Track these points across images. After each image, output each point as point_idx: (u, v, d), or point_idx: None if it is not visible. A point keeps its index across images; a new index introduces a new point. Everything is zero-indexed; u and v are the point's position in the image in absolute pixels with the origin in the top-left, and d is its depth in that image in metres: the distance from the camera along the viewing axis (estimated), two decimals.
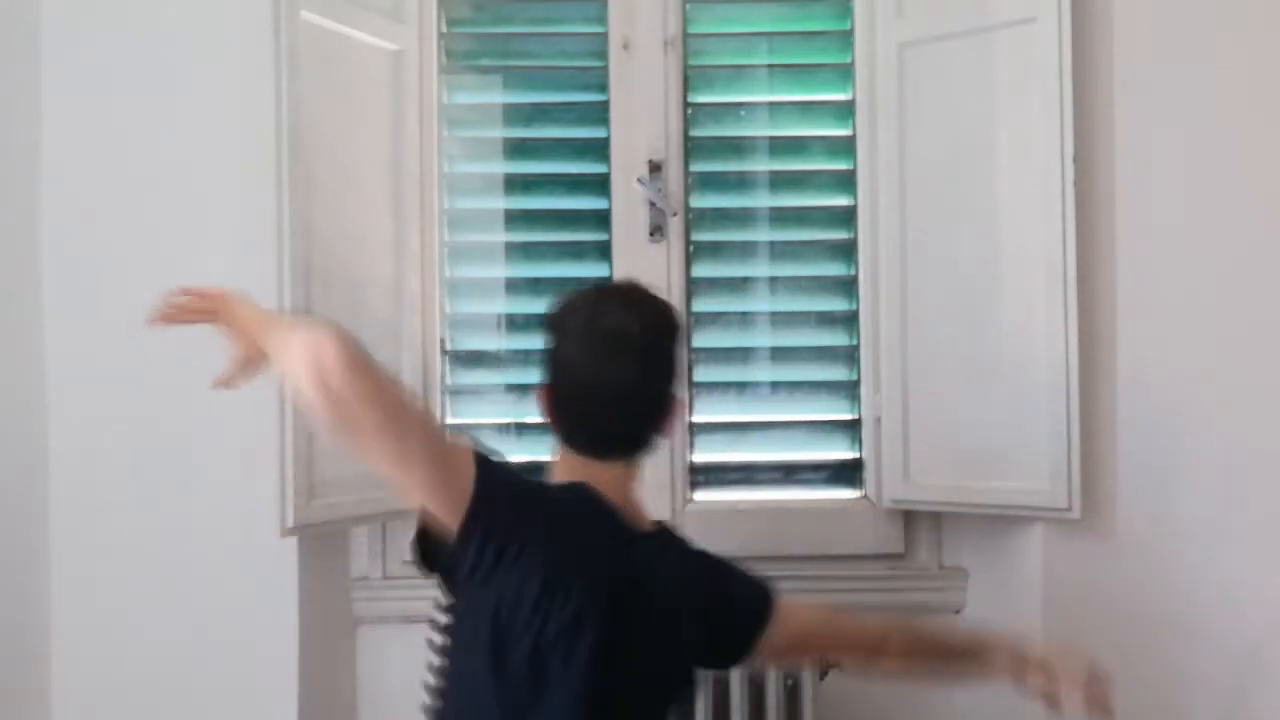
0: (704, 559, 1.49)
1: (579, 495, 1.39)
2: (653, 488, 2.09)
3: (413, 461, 1.27)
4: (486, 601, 1.31)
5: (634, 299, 1.46)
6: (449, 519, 1.31)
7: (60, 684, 1.96)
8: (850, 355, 2.18)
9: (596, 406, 1.40)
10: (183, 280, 1.95)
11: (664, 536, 1.47)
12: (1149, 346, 1.94)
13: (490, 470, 1.33)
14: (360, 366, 1.21)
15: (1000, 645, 1.55)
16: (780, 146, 2.22)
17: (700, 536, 1.52)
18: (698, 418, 2.18)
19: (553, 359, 1.43)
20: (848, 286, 2.18)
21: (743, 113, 2.24)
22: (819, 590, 2.12)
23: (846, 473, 2.18)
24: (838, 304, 2.20)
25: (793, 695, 1.96)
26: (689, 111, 2.18)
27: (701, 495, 2.17)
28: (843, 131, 2.19)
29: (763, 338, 2.21)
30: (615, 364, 1.39)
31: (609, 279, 2.14)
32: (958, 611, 2.16)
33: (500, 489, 1.33)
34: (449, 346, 2.17)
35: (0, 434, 1.90)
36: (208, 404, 1.95)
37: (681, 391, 1.47)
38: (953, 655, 1.58)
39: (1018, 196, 1.95)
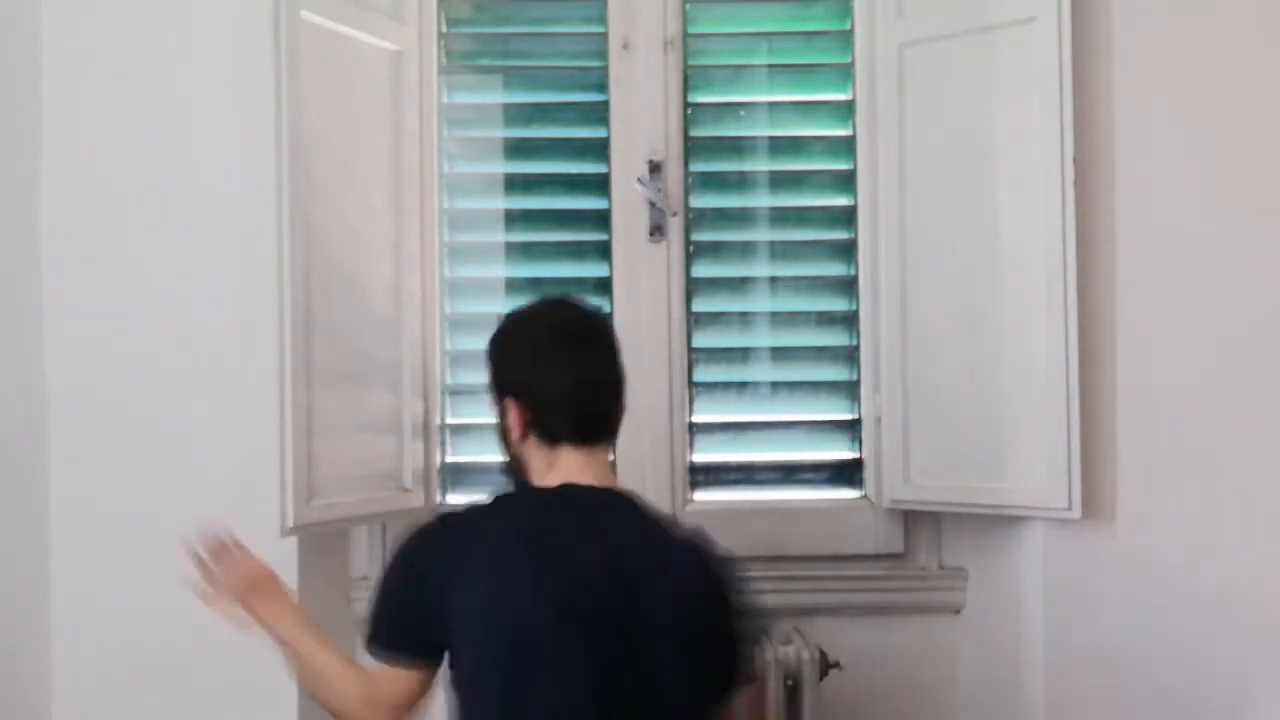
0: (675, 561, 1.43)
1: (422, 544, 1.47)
2: (653, 487, 2.10)
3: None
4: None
5: (565, 303, 1.61)
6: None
7: (60, 684, 1.96)
8: (850, 355, 2.18)
9: (580, 394, 1.47)
10: (182, 280, 1.98)
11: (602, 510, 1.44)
12: (1149, 346, 1.94)
13: (378, 646, 1.45)
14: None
15: None
16: (780, 146, 2.22)
17: None
18: (698, 418, 2.18)
19: (512, 371, 1.52)
20: (848, 286, 2.18)
21: (743, 113, 2.24)
22: (819, 590, 2.13)
23: (846, 473, 2.18)
24: (838, 304, 2.20)
25: (793, 695, 1.96)
26: (689, 111, 2.18)
27: (701, 495, 2.17)
28: (843, 131, 2.19)
29: (763, 338, 2.21)
30: (586, 351, 1.49)
31: (607, 277, 2.16)
32: (957, 611, 2.16)
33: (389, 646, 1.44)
34: (449, 346, 2.17)
35: (0, 434, 1.90)
36: (208, 404, 1.96)
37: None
38: None
39: (1018, 196, 1.95)
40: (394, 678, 1.43)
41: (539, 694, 1.34)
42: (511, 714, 1.35)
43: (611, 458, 1.55)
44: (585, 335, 1.52)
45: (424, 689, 1.46)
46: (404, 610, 1.44)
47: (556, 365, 1.47)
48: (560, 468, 1.46)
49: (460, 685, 1.41)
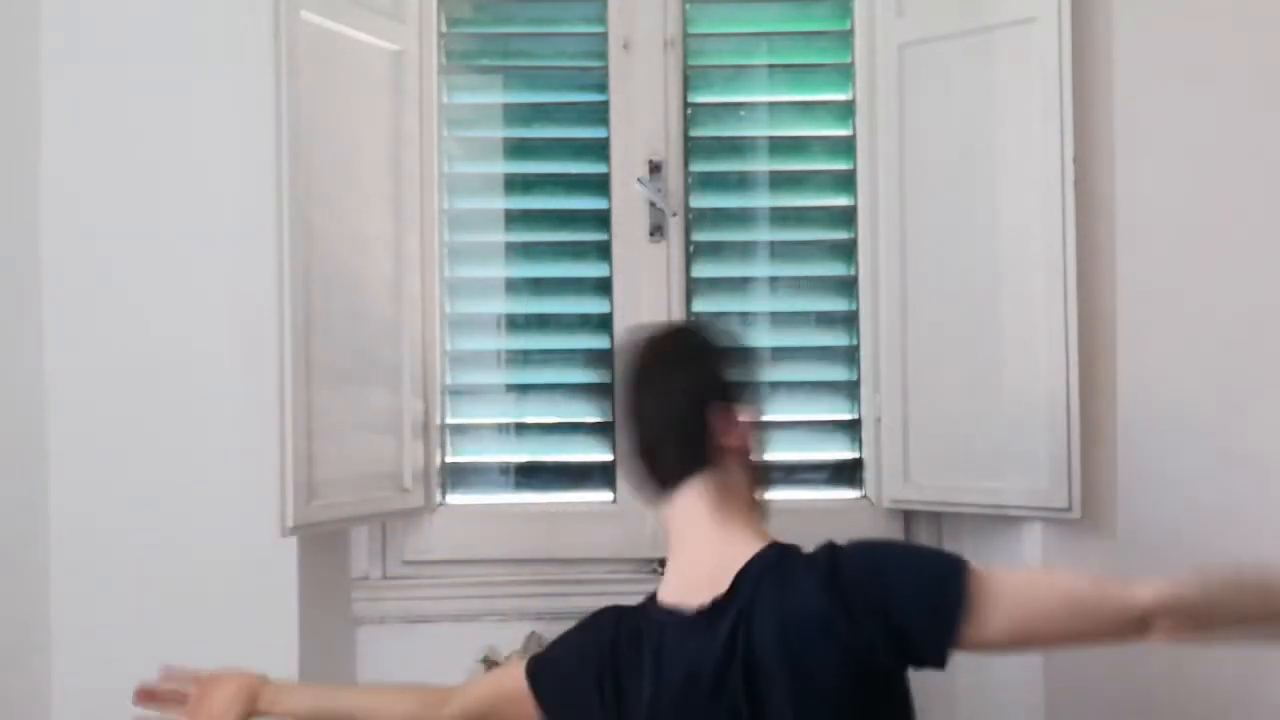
0: (815, 585, 1.25)
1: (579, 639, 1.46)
2: None
3: None
4: None
5: (647, 333, 1.45)
6: None
7: (60, 684, 1.96)
8: (850, 355, 2.18)
9: (636, 446, 1.40)
10: (182, 280, 1.98)
11: (730, 604, 1.29)
12: (1149, 347, 1.94)
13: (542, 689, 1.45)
14: None
15: None
16: (780, 146, 2.22)
17: None
18: None
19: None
20: (848, 286, 2.18)
21: (743, 113, 2.24)
22: None
23: (846, 473, 2.18)
24: (838, 304, 2.20)
25: None
26: (689, 111, 2.18)
27: None
28: (843, 131, 2.19)
29: (763, 338, 2.21)
30: (631, 396, 1.39)
31: (607, 277, 2.16)
32: None
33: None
34: (449, 346, 2.17)
35: (0, 435, 1.90)
36: (208, 404, 1.97)
37: (737, 397, 1.39)
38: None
39: (1018, 196, 1.95)
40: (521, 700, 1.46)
41: None
42: None
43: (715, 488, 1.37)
44: (631, 373, 1.41)
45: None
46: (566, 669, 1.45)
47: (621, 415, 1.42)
48: (671, 535, 1.39)
49: None
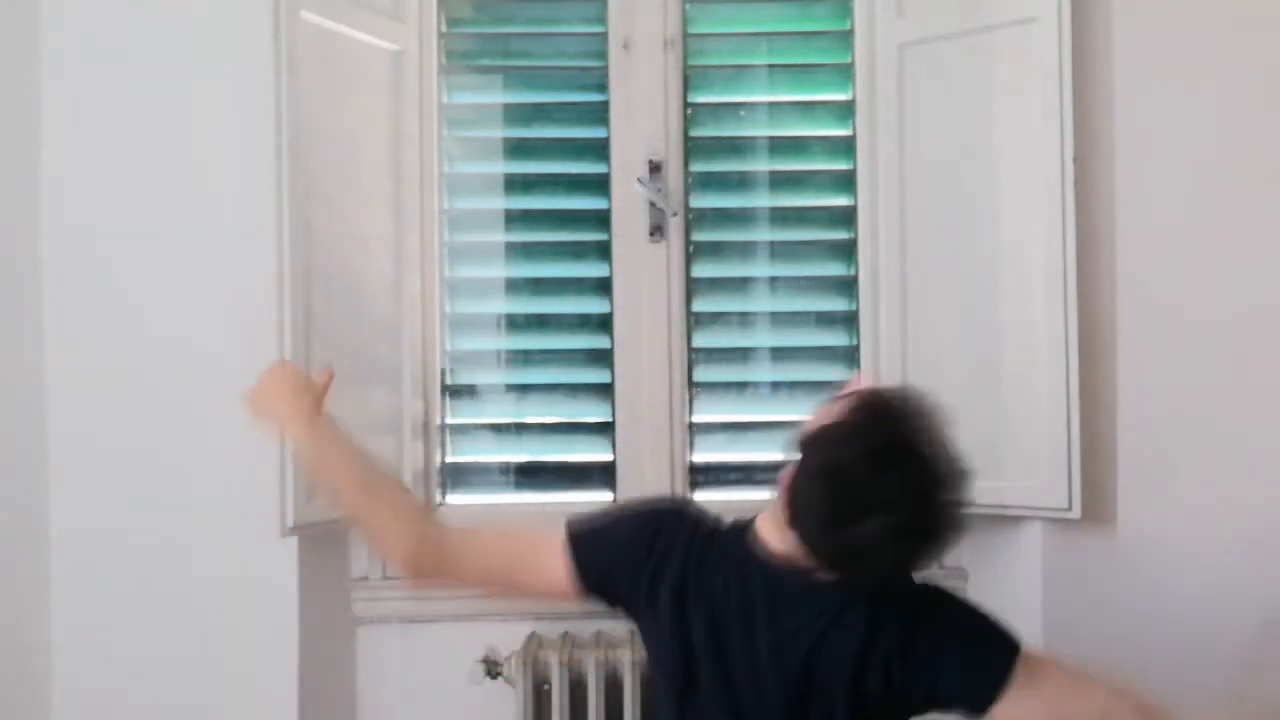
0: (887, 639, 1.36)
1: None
2: (652, 488, 2.10)
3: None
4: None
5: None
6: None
7: (60, 684, 1.96)
8: (850, 355, 2.18)
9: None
10: (182, 280, 1.98)
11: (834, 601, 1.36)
12: (1149, 346, 1.94)
13: (582, 556, 1.46)
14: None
15: None
16: (780, 146, 2.22)
17: None
18: (698, 418, 2.18)
19: None
20: (848, 286, 2.18)
21: (743, 113, 2.24)
22: None
23: None
24: (838, 304, 2.20)
25: None
26: (689, 111, 2.18)
27: (701, 495, 2.16)
28: (843, 131, 2.19)
29: (763, 338, 2.21)
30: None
31: (607, 277, 2.15)
32: None
33: (593, 564, 1.46)
34: (449, 346, 2.17)
35: (0, 435, 1.90)
36: (208, 404, 1.96)
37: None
38: None
39: (1018, 196, 1.95)
40: (552, 563, 1.45)
41: None
42: None
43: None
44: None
45: (537, 585, 1.49)
46: (623, 541, 1.46)
47: None
48: None
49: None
